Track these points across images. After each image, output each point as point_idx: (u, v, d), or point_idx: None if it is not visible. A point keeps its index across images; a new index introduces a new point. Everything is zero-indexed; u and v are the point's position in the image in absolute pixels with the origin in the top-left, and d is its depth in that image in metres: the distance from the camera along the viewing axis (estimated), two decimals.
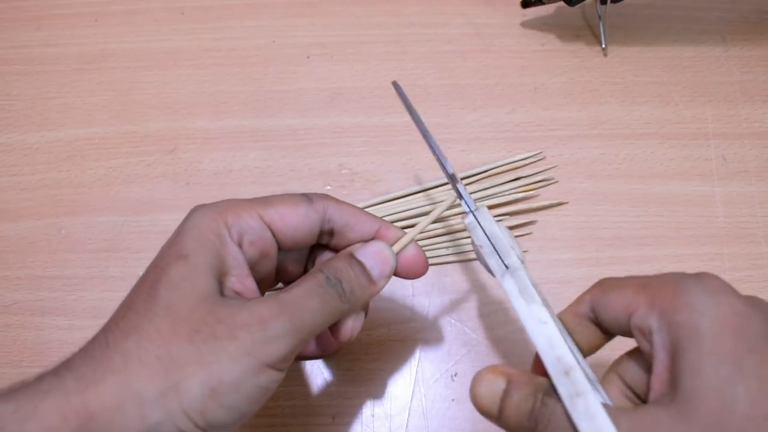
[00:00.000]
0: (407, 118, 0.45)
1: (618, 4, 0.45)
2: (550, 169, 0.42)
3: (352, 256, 0.27)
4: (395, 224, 0.40)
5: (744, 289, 0.23)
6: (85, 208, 0.42)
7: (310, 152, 0.44)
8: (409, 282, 0.39)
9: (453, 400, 0.36)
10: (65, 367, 0.23)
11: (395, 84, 0.33)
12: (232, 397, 0.23)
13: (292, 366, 0.37)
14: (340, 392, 0.36)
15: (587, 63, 0.47)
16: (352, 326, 0.28)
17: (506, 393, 0.23)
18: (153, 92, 0.46)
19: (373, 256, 0.27)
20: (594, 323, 0.25)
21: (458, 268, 0.40)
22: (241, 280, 0.26)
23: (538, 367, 0.25)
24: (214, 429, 0.23)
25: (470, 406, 0.36)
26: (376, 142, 0.44)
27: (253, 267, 0.27)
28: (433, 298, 0.39)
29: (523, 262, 0.26)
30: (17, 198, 0.43)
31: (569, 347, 0.24)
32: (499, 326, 0.38)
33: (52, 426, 0.21)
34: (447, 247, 0.40)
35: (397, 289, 0.39)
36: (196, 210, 0.26)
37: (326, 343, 0.30)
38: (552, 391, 0.23)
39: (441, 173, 0.42)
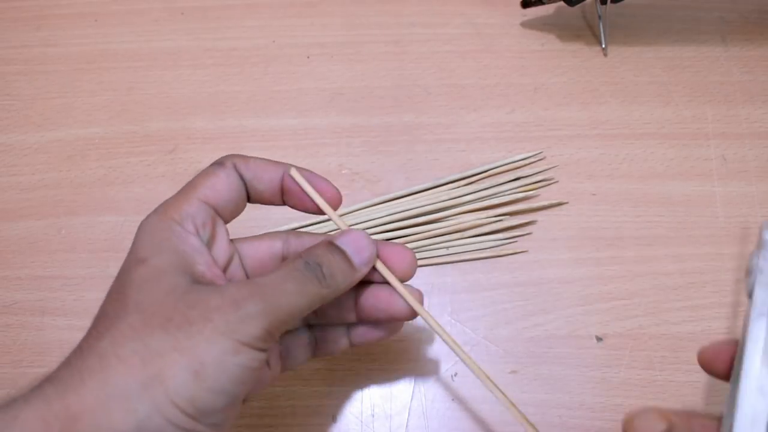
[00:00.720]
0: (407, 117, 0.45)
1: (618, 4, 0.45)
2: (550, 169, 0.42)
3: (331, 243, 0.27)
4: (395, 224, 0.40)
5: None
6: (85, 208, 0.42)
7: (310, 152, 0.44)
8: (408, 282, 0.39)
9: (453, 400, 0.36)
10: (44, 379, 0.23)
11: None
12: (217, 378, 0.22)
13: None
14: (340, 392, 0.36)
15: (587, 63, 0.47)
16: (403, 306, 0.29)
17: None
18: (153, 92, 0.46)
19: (353, 243, 0.27)
20: None
21: (458, 268, 0.40)
22: (210, 269, 0.26)
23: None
24: (204, 416, 0.22)
25: (470, 406, 0.36)
26: (376, 142, 0.44)
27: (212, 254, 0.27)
28: (433, 298, 0.39)
29: None
30: (17, 198, 0.43)
31: None
32: (500, 326, 0.38)
33: (34, 430, 0.21)
34: (447, 248, 0.40)
35: None
36: (143, 220, 0.27)
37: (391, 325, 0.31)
38: None
39: (440, 173, 0.42)
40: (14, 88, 0.47)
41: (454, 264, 0.40)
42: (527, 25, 0.48)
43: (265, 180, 0.29)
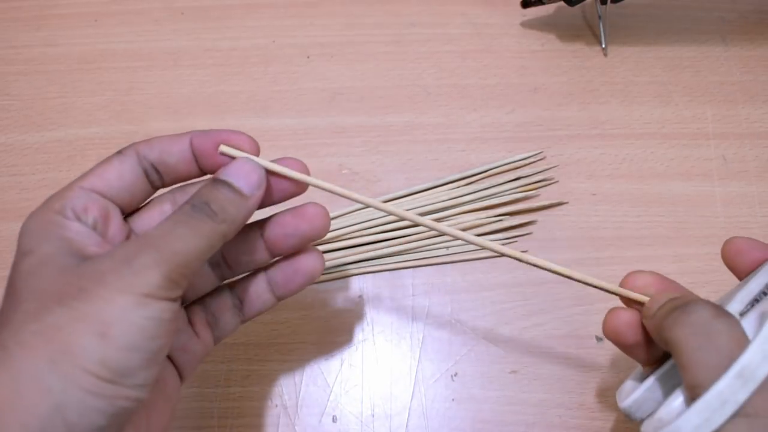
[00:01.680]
0: (407, 117, 0.45)
1: (618, 4, 0.45)
2: (550, 169, 0.42)
3: (215, 178, 0.27)
4: (395, 224, 0.40)
5: None
6: None
7: (310, 152, 0.44)
8: (409, 282, 0.39)
9: (453, 400, 0.36)
10: None
11: None
12: (125, 336, 0.22)
13: (291, 366, 0.37)
14: (340, 392, 0.36)
15: (587, 63, 0.47)
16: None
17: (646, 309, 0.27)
18: (153, 92, 0.46)
19: (236, 172, 0.26)
20: None
21: (458, 268, 0.40)
22: (103, 248, 0.25)
23: None
24: (124, 377, 0.22)
25: (470, 406, 0.36)
26: (376, 142, 0.44)
27: (106, 236, 0.27)
28: (433, 298, 0.39)
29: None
30: (17, 198, 0.43)
31: None
32: (500, 326, 0.38)
33: None
34: (447, 248, 0.40)
35: (398, 288, 0.39)
36: (27, 218, 0.26)
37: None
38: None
39: (440, 173, 0.42)
40: (14, 88, 0.47)
41: (454, 264, 0.40)
42: (527, 25, 0.48)
43: (174, 152, 0.28)
